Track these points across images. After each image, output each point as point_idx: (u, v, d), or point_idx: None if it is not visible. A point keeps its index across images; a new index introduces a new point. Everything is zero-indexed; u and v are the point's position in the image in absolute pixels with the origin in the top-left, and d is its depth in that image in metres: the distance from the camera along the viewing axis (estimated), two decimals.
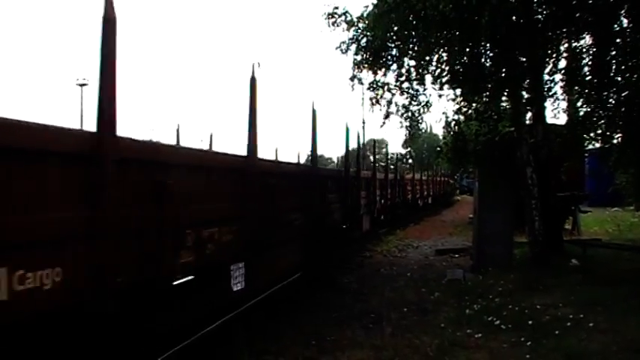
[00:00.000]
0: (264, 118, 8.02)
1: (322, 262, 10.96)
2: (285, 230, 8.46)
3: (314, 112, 9.79)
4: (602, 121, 12.55)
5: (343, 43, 13.37)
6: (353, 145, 13.80)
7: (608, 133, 12.79)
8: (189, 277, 5.46)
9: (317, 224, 10.04)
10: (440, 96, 13.61)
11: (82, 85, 48.04)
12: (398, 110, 13.87)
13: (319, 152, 11.22)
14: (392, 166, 23.62)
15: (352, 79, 13.72)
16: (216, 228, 5.95)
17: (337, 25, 13.24)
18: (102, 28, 4.19)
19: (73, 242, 3.89)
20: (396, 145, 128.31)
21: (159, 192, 4.86)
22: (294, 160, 13.49)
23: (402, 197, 24.39)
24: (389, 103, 13.83)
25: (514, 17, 11.34)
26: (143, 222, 4.71)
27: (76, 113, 42.99)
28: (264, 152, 8.25)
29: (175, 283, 5.24)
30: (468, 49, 12.00)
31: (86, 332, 4.02)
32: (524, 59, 12.04)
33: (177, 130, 17.63)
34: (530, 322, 7.56)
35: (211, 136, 18.00)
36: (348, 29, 13.24)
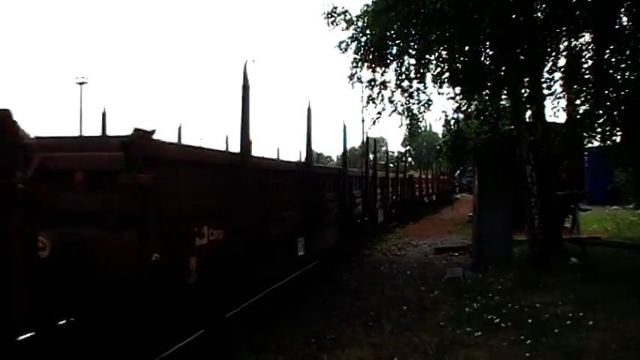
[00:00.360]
0: (266, 118, 8.11)
1: (349, 241, 14.71)
2: (327, 216, 11.67)
3: (309, 110, 9.99)
4: (602, 120, 12.53)
5: (342, 42, 13.35)
6: (352, 143, 13.91)
7: (607, 132, 12.78)
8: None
9: (347, 213, 13.43)
10: (440, 94, 13.61)
11: (81, 83, 48.14)
12: (396, 109, 13.83)
13: (319, 150, 11.67)
14: (392, 164, 23.88)
15: (351, 77, 13.68)
16: (290, 211, 9.16)
17: (336, 24, 13.22)
18: (242, 94, 7.09)
19: (228, 215, 6.59)
20: (395, 144, 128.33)
21: (263, 187, 7.92)
22: (295, 159, 13.64)
23: (411, 194, 27.47)
24: (390, 101, 13.81)
25: (514, 15, 11.33)
26: (258, 204, 7.47)
27: (74, 110, 42.96)
28: (269, 151, 9.03)
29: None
30: (467, 48, 12.00)
31: (235, 269, 7.14)
32: (523, 57, 12.04)
33: (179, 129, 17.98)
34: (529, 321, 7.57)
35: (227, 138, 18.56)
36: (347, 28, 13.21)
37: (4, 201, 3.89)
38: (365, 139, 13.26)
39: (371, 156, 18.96)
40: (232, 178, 6.86)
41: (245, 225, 6.86)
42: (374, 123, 14.15)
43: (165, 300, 5.54)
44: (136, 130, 4.90)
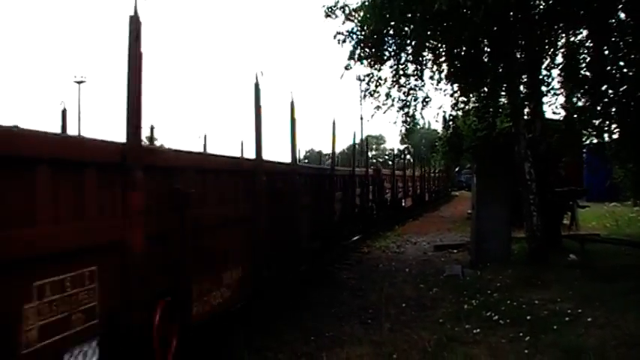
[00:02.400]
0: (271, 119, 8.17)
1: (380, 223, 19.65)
2: (354, 208, 16.02)
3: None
4: (600, 116, 12.55)
5: (340, 34, 13.30)
6: (351, 141, 14.02)
7: (605, 128, 12.80)
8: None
9: (379, 203, 19.62)
10: (437, 89, 13.61)
11: (79, 82, 48.13)
12: (393, 105, 13.81)
13: (318, 148, 11.68)
14: (389, 161, 24.13)
15: (347, 68, 13.58)
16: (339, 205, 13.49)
17: (335, 17, 13.18)
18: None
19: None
20: (393, 141, 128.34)
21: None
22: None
23: (427, 188, 34.23)
24: (386, 96, 13.78)
25: (511, 12, 11.32)
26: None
27: (73, 109, 42.82)
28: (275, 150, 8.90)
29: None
30: (465, 45, 11.99)
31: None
32: (521, 54, 12.04)
33: (205, 139, 21.57)
34: (528, 318, 7.58)
35: (242, 143, 19.79)
36: (345, 21, 13.19)
37: None
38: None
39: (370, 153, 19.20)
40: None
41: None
42: (372, 117, 14.17)
43: None
44: None
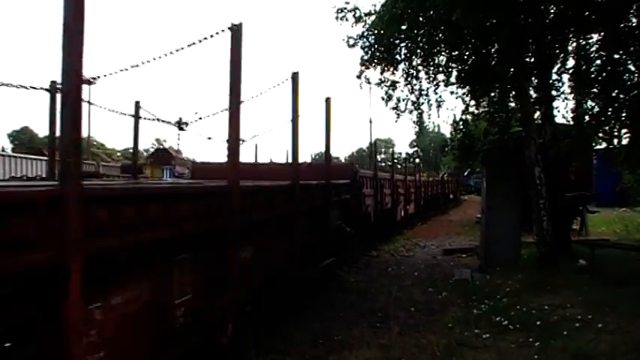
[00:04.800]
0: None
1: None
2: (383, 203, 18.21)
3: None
4: (610, 121, 12.50)
5: (351, 38, 13.37)
6: (360, 144, 14.15)
7: (616, 133, 12.74)
8: None
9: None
10: (451, 93, 13.64)
11: (89, 83, 48.32)
12: (406, 109, 13.87)
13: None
14: (398, 165, 24.17)
15: (359, 76, 13.71)
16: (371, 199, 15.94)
17: (346, 20, 13.23)
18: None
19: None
20: (402, 145, 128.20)
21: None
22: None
23: (442, 191, 38.39)
24: (398, 100, 13.85)
25: (522, 16, 11.31)
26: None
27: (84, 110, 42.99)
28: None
29: None
30: (476, 49, 11.99)
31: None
32: (532, 59, 12.01)
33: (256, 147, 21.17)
34: (538, 323, 7.55)
35: (287, 153, 20.35)
36: (355, 24, 13.24)
37: None
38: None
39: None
40: None
41: None
42: (396, 121, 14.37)
43: None
44: None
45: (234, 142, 5.63)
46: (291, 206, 7.89)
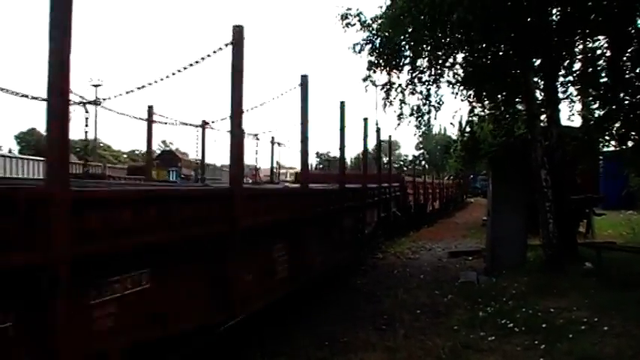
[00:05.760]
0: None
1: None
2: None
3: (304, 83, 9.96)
4: (617, 123, 12.47)
5: (357, 44, 13.41)
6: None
7: (622, 135, 12.70)
8: None
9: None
10: (454, 94, 13.64)
11: (96, 85, 48.43)
12: (412, 113, 13.88)
13: (333, 153, 12.01)
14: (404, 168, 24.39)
15: (365, 79, 13.75)
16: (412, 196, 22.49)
17: (351, 25, 13.26)
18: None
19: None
20: (408, 147, 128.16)
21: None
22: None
23: (459, 192, 44.57)
24: (401, 103, 13.85)
25: (529, 19, 11.30)
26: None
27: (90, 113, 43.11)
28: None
29: None
30: (482, 52, 11.99)
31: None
32: (538, 61, 12.01)
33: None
34: (543, 326, 7.53)
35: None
36: (361, 29, 13.27)
37: None
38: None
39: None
40: None
41: None
42: (396, 128, 14.35)
43: None
44: None
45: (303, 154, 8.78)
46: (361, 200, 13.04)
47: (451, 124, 32.71)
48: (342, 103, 10.96)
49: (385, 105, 14.00)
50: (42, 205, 3.20)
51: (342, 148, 11.29)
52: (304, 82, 8.50)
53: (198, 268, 5.05)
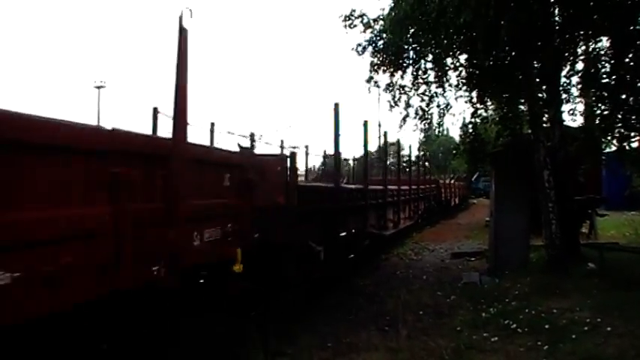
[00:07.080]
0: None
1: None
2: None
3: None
4: (620, 124, 12.45)
5: (359, 45, 13.43)
6: (370, 147, 14.53)
7: (625, 136, 12.69)
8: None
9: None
10: (457, 98, 13.66)
11: (99, 87, 48.56)
12: (417, 114, 13.90)
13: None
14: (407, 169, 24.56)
15: (369, 80, 13.77)
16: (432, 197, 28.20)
17: (354, 26, 13.28)
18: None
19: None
20: (412, 148, 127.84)
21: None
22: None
23: (466, 192, 49.00)
24: (406, 105, 13.87)
25: (531, 20, 11.30)
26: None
27: (92, 114, 43.18)
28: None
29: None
30: (485, 54, 12.00)
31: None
32: (541, 62, 12.00)
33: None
34: (546, 326, 7.53)
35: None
36: (364, 31, 13.28)
37: None
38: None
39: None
40: None
41: None
42: (400, 127, 14.34)
43: None
44: None
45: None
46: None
47: (453, 124, 33.33)
48: (385, 134, 11.35)
49: (391, 106, 14.03)
50: None
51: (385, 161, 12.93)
52: (336, 109, 10.89)
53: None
